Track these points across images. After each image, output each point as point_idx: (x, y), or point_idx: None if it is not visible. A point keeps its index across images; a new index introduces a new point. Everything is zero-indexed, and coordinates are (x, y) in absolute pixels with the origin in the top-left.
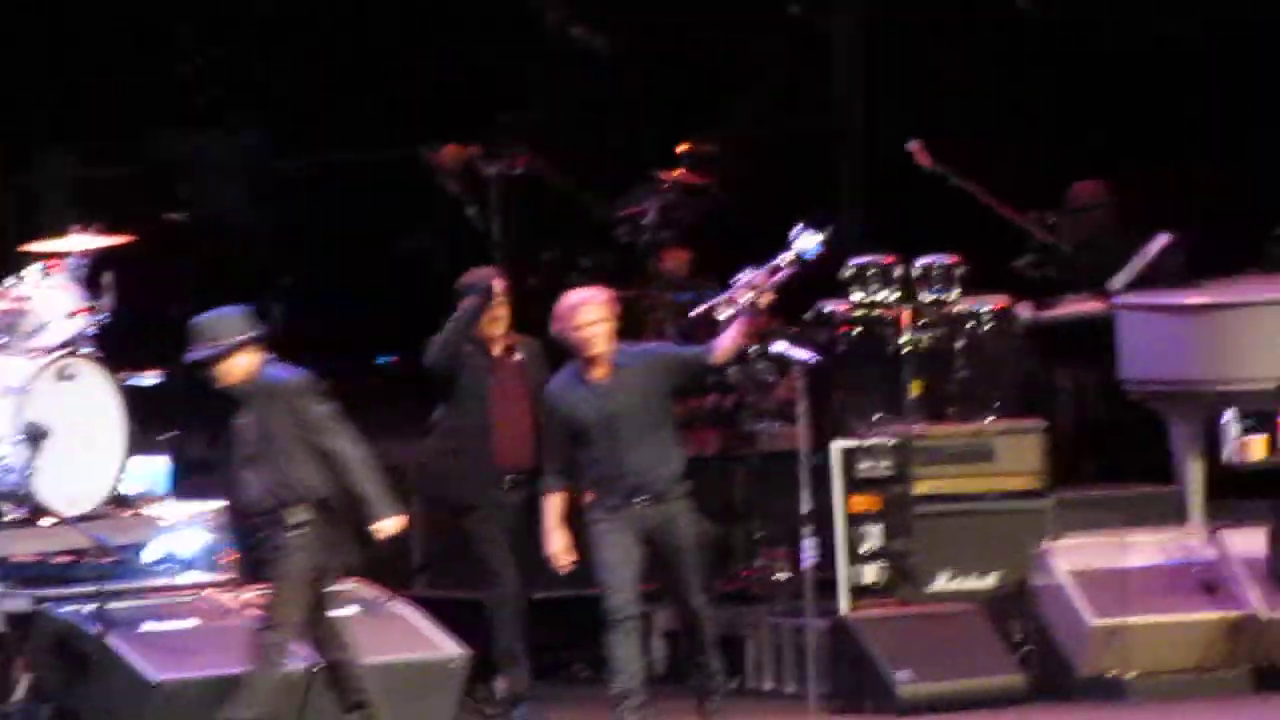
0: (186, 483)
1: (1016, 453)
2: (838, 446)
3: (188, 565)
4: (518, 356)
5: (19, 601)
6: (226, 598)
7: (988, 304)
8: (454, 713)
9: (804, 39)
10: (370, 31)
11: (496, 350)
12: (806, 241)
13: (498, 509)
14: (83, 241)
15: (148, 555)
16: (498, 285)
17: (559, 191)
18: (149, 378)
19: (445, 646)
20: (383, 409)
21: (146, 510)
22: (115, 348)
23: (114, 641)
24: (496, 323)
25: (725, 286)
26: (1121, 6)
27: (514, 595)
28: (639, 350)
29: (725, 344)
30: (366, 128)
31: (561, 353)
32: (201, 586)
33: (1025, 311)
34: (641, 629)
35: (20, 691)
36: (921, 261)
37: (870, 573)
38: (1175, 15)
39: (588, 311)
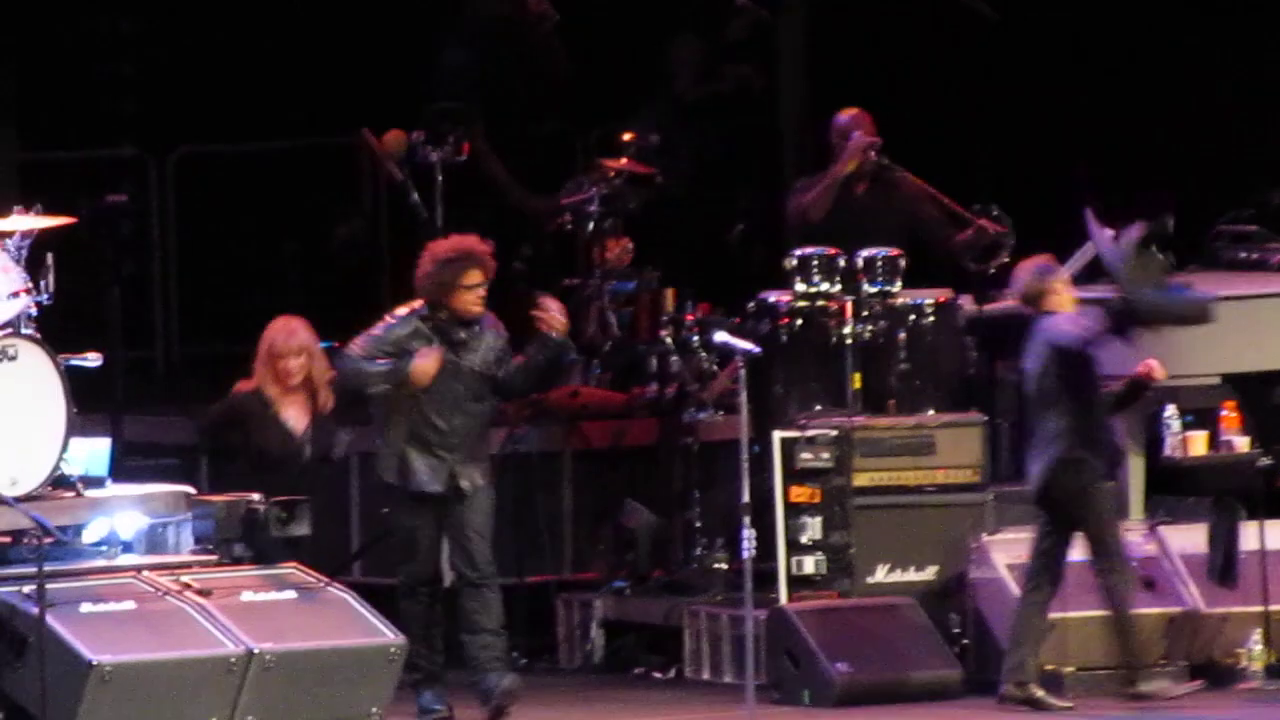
0: (126, 465)
1: (957, 446)
2: (778, 437)
3: (126, 547)
4: None
5: None
6: (165, 579)
7: (930, 297)
8: (390, 699)
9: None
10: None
11: None
12: None
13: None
14: (24, 222)
15: (87, 536)
16: None
17: (500, 179)
18: (90, 359)
19: (384, 633)
20: None
21: (86, 492)
22: (55, 329)
23: (52, 622)
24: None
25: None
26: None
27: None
28: None
29: None
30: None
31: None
32: (140, 569)
33: (967, 305)
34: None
35: None
36: (864, 253)
37: (809, 564)
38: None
39: None
